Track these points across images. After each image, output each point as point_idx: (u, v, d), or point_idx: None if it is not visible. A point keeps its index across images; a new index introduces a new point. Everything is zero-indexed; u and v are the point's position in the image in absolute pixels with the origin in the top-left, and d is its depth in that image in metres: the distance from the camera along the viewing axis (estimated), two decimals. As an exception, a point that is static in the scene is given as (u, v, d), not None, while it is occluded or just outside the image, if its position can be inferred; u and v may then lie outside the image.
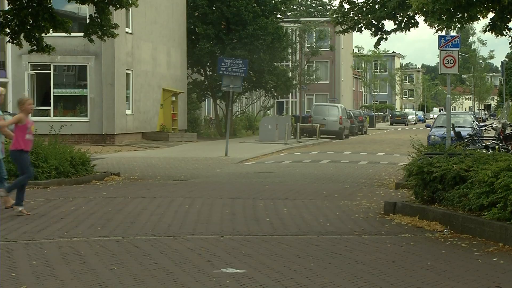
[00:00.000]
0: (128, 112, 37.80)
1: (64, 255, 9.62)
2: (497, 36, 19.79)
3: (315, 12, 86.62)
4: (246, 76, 33.58)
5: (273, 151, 33.96)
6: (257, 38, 45.60)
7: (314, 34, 68.17)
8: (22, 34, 20.98)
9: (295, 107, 74.72)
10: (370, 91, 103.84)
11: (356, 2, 26.07)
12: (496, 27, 19.51)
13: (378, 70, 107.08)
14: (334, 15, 26.65)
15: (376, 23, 25.54)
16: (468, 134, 21.91)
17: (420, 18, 21.94)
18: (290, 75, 56.88)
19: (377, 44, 26.61)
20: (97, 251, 9.89)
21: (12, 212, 13.21)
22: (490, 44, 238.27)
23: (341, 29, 27.09)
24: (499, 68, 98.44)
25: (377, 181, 20.43)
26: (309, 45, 67.60)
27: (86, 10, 31.28)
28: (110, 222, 12.36)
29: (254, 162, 28.13)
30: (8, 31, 21.07)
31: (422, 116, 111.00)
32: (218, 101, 50.76)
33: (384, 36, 26.17)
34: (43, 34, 21.14)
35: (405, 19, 25.31)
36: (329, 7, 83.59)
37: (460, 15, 18.27)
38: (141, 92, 39.44)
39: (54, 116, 35.67)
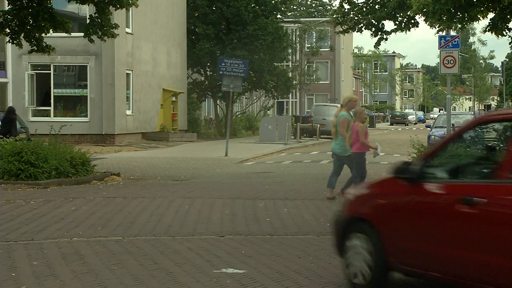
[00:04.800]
0: (128, 112, 37.80)
1: (64, 255, 9.62)
2: (498, 36, 19.81)
3: (315, 12, 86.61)
4: (246, 76, 33.58)
5: (273, 151, 33.96)
6: (257, 38, 45.60)
7: (314, 34, 68.16)
8: (22, 34, 20.97)
9: (295, 107, 74.72)
10: (370, 91, 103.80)
11: (356, 2, 26.08)
12: (496, 27, 19.52)
13: (378, 70, 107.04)
14: (334, 15, 26.67)
15: (376, 23, 25.56)
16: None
17: (420, 19, 21.98)
18: (290, 75, 56.87)
19: (377, 44, 26.62)
20: (97, 251, 9.89)
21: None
22: (490, 44, 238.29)
23: (341, 29, 27.10)
24: (499, 68, 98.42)
25: (377, 181, 20.40)
26: (309, 45, 67.57)
27: (86, 10, 31.27)
28: (110, 222, 12.36)
29: (254, 162, 28.12)
30: (8, 31, 21.07)
31: (422, 116, 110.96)
32: (218, 101, 50.76)
33: (384, 37, 26.18)
34: (43, 34, 21.13)
35: (405, 19, 25.33)
36: (329, 7, 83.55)
37: (460, 15, 18.29)
38: (141, 92, 39.45)
39: (54, 116, 35.65)
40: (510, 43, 21.26)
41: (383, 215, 7.69)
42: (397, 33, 25.80)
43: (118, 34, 22.81)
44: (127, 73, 37.63)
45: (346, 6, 26.30)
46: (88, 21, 21.98)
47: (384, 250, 7.55)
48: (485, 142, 8.22)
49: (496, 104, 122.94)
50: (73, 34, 26.34)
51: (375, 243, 7.63)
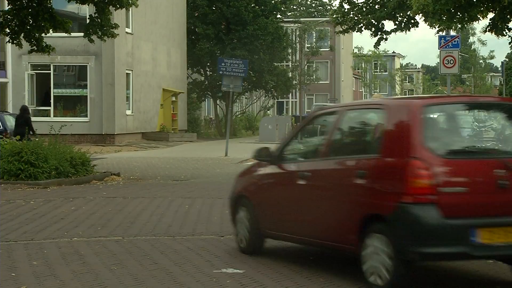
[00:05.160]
0: (128, 112, 37.80)
1: (64, 255, 9.62)
2: (498, 36, 19.81)
3: (315, 12, 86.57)
4: (246, 76, 33.56)
5: (273, 151, 33.90)
6: (257, 38, 45.61)
7: (314, 34, 68.13)
8: (22, 34, 20.96)
9: (295, 107, 74.71)
10: (370, 91, 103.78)
11: (356, 2, 26.09)
12: (496, 27, 19.52)
13: (378, 70, 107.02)
14: (334, 15, 26.68)
15: (376, 23, 25.57)
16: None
17: (420, 19, 21.99)
18: (290, 75, 56.87)
19: (377, 44, 26.63)
20: (97, 251, 9.89)
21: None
22: (490, 44, 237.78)
23: (341, 29, 27.11)
24: (499, 68, 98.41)
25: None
26: (309, 45, 67.55)
27: (86, 10, 31.25)
28: (110, 222, 12.36)
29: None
30: (8, 31, 21.06)
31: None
32: (218, 101, 50.77)
33: (384, 36, 26.19)
34: (43, 34, 21.13)
35: (405, 19, 25.34)
36: (329, 7, 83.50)
37: (460, 15, 18.29)
38: (141, 92, 39.44)
39: (54, 116, 35.64)
40: (510, 43, 21.24)
41: (255, 191, 9.68)
42: (397, 33, 25.82)
43: (118, 34, 22.81)
44: (127, 73, 37.63)
45: (346, 6, 26.30)
46: (88, 21, 21.97)
47: (257, 219, 9.46)
48: (318, 130, 9.96)
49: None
50: (73, 34, 26.33)
51: (251, 214, 9.56)
